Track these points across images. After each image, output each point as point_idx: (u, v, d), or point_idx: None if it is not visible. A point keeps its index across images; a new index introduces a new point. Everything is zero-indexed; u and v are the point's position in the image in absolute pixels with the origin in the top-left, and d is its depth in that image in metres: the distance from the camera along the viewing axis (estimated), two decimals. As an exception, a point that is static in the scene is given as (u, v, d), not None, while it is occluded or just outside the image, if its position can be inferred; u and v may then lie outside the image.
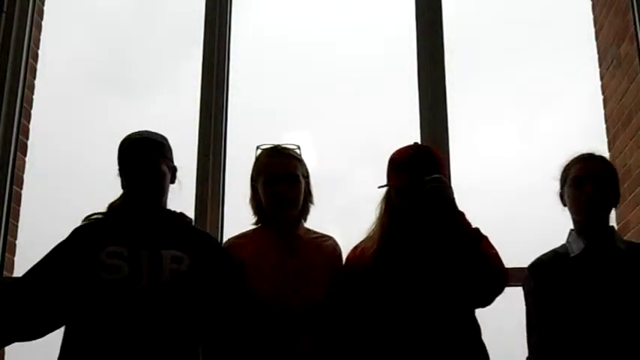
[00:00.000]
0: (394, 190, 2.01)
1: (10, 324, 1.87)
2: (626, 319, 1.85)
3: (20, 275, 1.99)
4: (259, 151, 2.18)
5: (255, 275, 2.01)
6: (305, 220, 2.18)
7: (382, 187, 2.01)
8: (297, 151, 2.16)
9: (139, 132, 2.05)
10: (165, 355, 1.85)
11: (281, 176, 2.07)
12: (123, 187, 2.05)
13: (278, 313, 1.95)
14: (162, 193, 2.04)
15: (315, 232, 2.18)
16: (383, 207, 2.04)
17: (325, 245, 2.14)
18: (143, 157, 1.98)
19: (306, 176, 2.15)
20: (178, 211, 2.09)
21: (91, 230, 2.00)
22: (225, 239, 2.29)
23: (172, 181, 2.08)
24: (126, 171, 2.02)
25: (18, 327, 1.88)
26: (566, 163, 2.08)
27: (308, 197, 2.16)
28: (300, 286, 2.00)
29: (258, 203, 2.14)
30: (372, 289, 1.94)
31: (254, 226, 2.18)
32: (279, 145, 2.15)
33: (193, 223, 2.18)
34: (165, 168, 2.02)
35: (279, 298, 1.97)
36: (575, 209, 2.03)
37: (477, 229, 1.91)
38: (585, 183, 1.98)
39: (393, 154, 2.04)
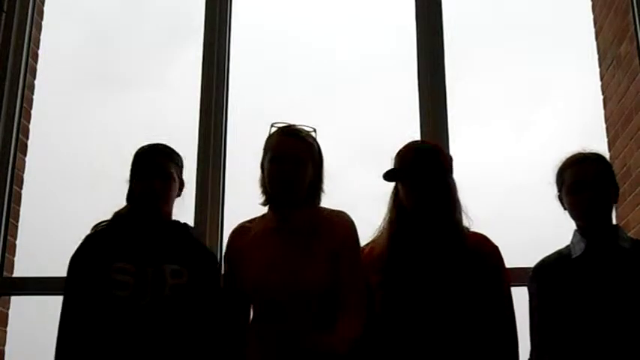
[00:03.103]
0: (402, 190, 2.00)
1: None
2: (627, 318, 1.84)
3: (22, 276, 2.02)
4: (273, 129, 2.12)
5: (251, 263, 1.99)
6: (313, 205, 2.08)
7: (387, 179, 2.02)
8: (312, 134, 2.09)
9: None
10: None
11: (286, 156, 2.01)
12: (128, 198, 2.11)
13: (275, 300, 1.94)
14: (168, 198, 2.10)
15: (325, 210, 2.08)
16: (391, 203, 2.02)
17: (334, 222, 2.03)
18: (154, 158, 2.09)
19: (318, 160, 2.08)
20: (182, 221, 2.15)
21: (100, 241, 2.07)
22: (225, 241, 2.27)
23: (179, 194, 2.15)
24: (137, 173, 2.09)
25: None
26: (560, 165, 2.04)
27: (318, 183, 2.08)
28: (299, 272, 1.95)
29: (265, 182, 2.08)
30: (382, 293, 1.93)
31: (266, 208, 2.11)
32: (293, 125, 2.09)
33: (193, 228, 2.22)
34: (174, 172, 2.09)
35: (275, 285, 1.94)
36: (576, 214, 2.00)
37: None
38: (583, 189, 1.95)
39: (399, 151, 2.05)
